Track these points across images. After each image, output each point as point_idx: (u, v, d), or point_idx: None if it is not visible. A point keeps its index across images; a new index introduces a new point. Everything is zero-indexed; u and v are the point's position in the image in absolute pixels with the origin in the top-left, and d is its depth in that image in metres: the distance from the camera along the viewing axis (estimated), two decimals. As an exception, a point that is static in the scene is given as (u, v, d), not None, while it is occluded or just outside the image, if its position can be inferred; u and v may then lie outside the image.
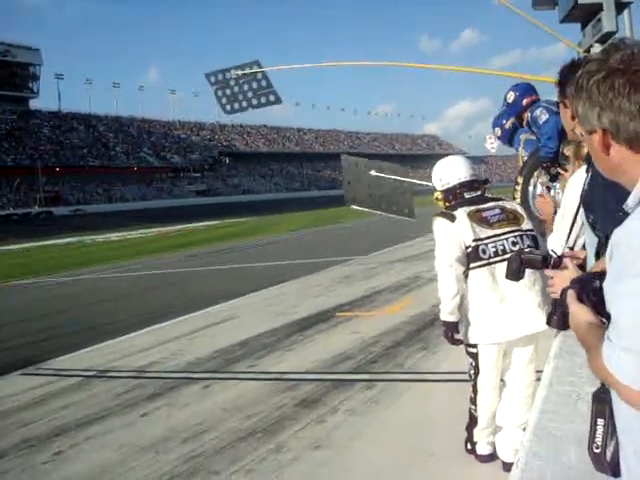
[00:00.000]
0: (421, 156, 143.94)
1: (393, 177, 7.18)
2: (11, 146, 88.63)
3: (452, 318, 4.09)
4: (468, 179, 4.31)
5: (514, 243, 4.04)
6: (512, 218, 4.19)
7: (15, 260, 31.44)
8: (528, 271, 2.30)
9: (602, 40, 7.81)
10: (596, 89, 1.38)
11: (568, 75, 2.57)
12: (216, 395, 6.52)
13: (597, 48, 7.98)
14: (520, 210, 4.35)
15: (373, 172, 7.20)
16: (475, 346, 4.13)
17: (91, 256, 28.47)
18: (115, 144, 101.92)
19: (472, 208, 4.12)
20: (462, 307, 4.11)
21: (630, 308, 1.24)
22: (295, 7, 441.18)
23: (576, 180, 2.94)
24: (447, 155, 4.81)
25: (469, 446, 4.32)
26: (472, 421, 4.27)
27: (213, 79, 10.48)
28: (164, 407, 6.25)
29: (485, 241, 4.02)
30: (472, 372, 4.20)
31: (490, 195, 4.36)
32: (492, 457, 4.23)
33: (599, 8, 7.52)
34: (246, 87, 10.05)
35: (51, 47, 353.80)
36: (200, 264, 20.97)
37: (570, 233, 2.86)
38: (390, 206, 7.43)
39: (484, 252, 4.00)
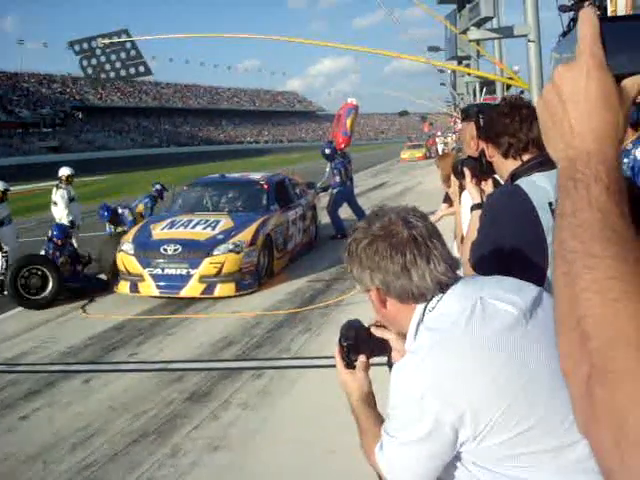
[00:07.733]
0: (282, 112, 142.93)
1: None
2: None
3: None
4: None
5: None
6: None
7: None
8: None
9: (478, 24, 8.05)
10: (364, 254, 1.58)
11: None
12: (99, 391, 6.28)
13: (474, 31, 8.23)
14: None
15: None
16: None
17: None
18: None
19: None
20: None
21: None
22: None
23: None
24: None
25: None
26: None
27: (78, 47, 9.89)
28: (44, 408, 5.94)
29: None
30: None
31: None
32: None
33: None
34: (114, 57, 9.59)
35: None
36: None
37: None
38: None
39: None
